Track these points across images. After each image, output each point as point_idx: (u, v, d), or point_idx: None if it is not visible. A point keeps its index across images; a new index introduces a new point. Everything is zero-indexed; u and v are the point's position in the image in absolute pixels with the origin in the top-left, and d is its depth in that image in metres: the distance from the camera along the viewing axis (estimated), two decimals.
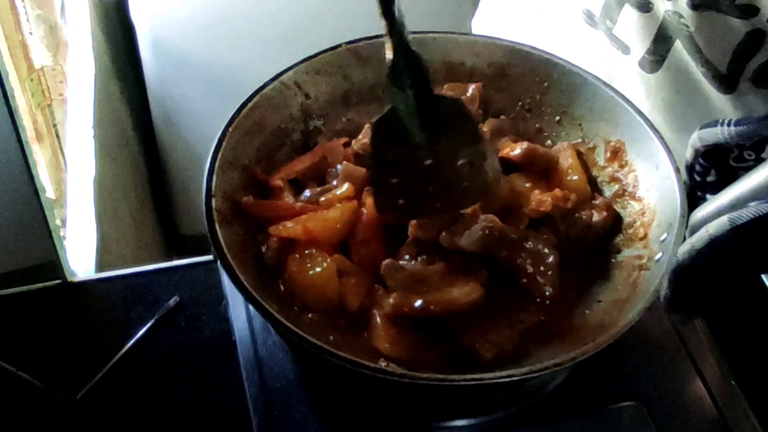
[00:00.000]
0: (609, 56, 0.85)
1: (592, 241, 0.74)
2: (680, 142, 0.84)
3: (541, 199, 0.73)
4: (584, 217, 0.74)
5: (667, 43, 0.78)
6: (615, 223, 0.75)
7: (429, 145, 0.69)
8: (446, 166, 0.70)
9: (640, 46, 0.81)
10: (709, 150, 0.67)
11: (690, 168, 0.70)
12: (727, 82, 0.75)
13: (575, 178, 0.77)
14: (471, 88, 0.82)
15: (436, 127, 0.69)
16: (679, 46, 0.78)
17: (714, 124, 0.67)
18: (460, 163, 0.70)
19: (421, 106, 0.67)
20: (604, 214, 0.74)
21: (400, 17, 0.64)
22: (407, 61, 0.66)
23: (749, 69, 0.73)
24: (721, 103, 0.78)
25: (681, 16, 0.74)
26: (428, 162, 0.69)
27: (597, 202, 0.76)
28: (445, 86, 0.82)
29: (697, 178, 0.70)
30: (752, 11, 0.69)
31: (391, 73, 0.67)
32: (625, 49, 0.83)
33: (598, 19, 0.84)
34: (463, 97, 0.81)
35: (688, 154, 0.69)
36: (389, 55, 0.66)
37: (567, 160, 0.79)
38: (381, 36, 0.82)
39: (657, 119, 0.86)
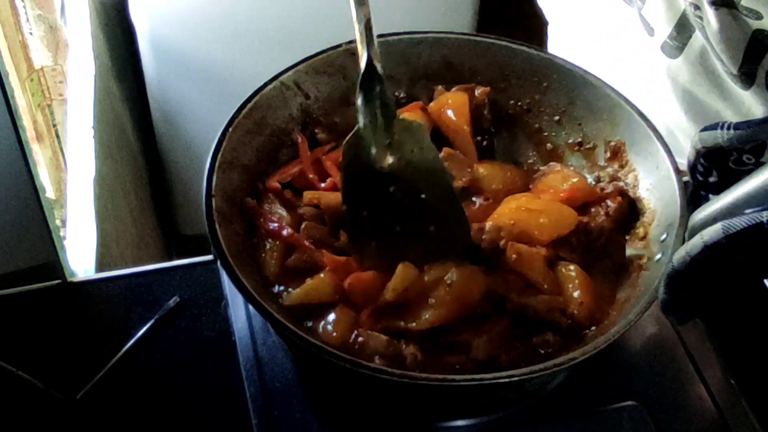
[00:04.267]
0: (638, 36, 0.86)
1: (616, 232, 0.74)
2: (695, 129, 0.84)
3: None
4: (600, 211, 0.74)
5: (687, 31, 0.79)
6: (632, 207, 0.75)
7: (393, 172, 0.69)
8: (410, 199, 0.69)
9: (663, 29, 0.81)
10: (710, 152, 0.67)
11: (692, 168, 0.70)
12: (742, 80, 0.76)
13: (575, 180, 0.77)
14: (478, 91, 0.82)
15: (399, 151, 0.69)
16: (699, 37, 0.78)
17: (714, 126, 0.67)
18: (423, 196, 0.69)
19: (387, 125, 0.68)
20: (619, 199, 0.74)
21: (371, 26, 0.66)
22: (376, 72, 0.67)
23: (761, 72, 0.73)
24: (739, 95, 0.78)
25: (697, 8, 0.74)
26: (392, 189, 0.69)
27: (609, 190, 0.76)
28: (454, 87, 0.82)
29: (700, 178, 0.70)
30: (757, 15, 0.69)
31: (363, 80, 0.67)
32: (650, 31, 0.83)
33: None
34: (476, 93, 0.82)
35: (690, 155, 0.69)
36: (363, 62, 0.67)
37: (558, 172, 0.79)
38: (381, 36, 0.82)
39: (675, 106, 0.86)
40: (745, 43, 0.72)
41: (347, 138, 0.70)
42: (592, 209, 0.75)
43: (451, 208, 0.70)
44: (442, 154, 0.77)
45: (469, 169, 0.78)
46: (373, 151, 0.69)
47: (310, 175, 0.77)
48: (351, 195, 0.70)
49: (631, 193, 0.76)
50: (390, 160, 0.69)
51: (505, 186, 0.78)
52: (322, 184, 0.77)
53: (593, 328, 0.69)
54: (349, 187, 0.70)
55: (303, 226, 0.73)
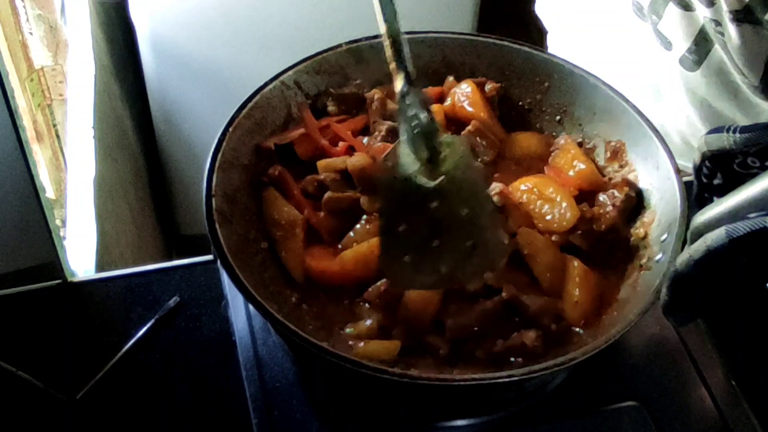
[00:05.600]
0: (654, 50, 0.86)
1: (623, 223, 0.74)
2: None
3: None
4: (608, 200, 0.74)
5: (706, 45, 0.79)
6: (639, 197, 0.75)
7: (435, 188, 0.66)
8: (451, 217, 0.66)
9: (681, 43, 0.82)
10: (715, 155, 0.67)
11: (697, 170, 0.70)
12: (762, 92, 0.76)
13: (582, 167, 0.77)
14: (488, 86, 0.82)
15: (441, 167, 0.66)
16: (718, 50, 0.78)
17: (720, 129, 0.67)
18: (464, 213, 0.66)
19: (429, 142, 0.65)
20: (626, 189, 0.74)
21: (406, 52, 0.64)
22: (416, 90, 0.65)
23: None
24: (759, 106, 0.78)
25: (718, 24, 0.74)
26: (434, 205, 0.66)
27: (615, 180, 0.76)
28: (467, 80, 0.82)
29: (704, 180, 0.70)
30: None
31: (402, 101, 0.65)
32: (668, 45, 0.84)
33: (646, 12, 0.85)
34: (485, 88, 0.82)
35: (696, 157, 0.69)
36: (399, 84, 0.65)
37: (569, 152, 0.79)
38: (381, 36, 0.82)
39: (692, 116, 0.86)
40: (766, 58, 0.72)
41: (387, 152, 0.69)
42: (600, 198, 0.75)
43: (491, 225, 0.68)
44: (470, 128, 0.78)
45: (498, 144, 0.80)
46: (415, 166, 0.66)
47: (322, 141, 0.77)
48: (388, 209, 0.68)
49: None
50: (433, 176, 0.66)
51: (527, 152, 0.80)
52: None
53: (580, 330, 0.69)
54: (387, 201, 0.68)
55: (326, 197, 0.73)
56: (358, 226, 0.73)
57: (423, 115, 0.65)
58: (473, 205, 0.66)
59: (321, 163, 0.76)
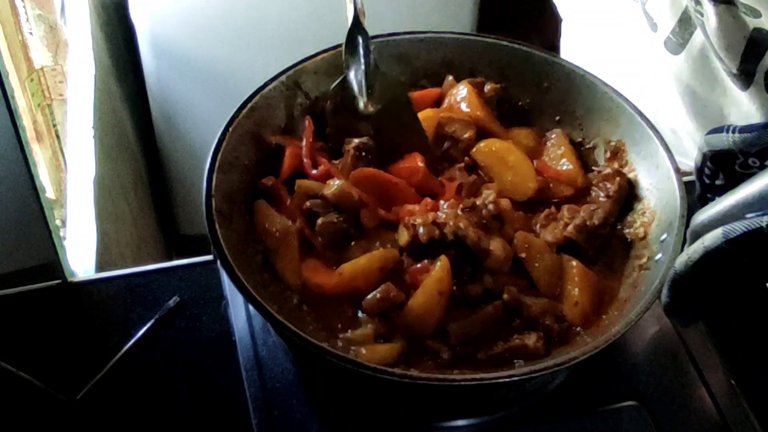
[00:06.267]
0: (644, 33, 0.86)
1: (617, 215, 0.74)
2: (698, 129, 0.84)
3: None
4: (600, 192, 0.75)
5: (689, 27, 0.79)
6: (630, 188, 0.76)
7: (372, 117, 0.78)
8: (384, 134, 0.77)
9: (666, 24, 0.82)
10: (716, 155, 0.68)
11: (699, 171, 0.70)
12: (740, 80, 0.76)
13: (570, 168, 0.77)
14: (487, 87, 0.82)
15: (378, 99, 0.78)
16: (700, 33, 0.78)
17: (720, 129, 0.67)
18: (395, 130, 0.77)
19: (368, 74, 0.77)
20: (618, 179, 0.75)
21: None
22: (361, 27, 0.76)
23: (760, 71, 0.73)
24: (739, 96, 0.77)
25: (698, 3, 0.74)
26: (371, 130, 0.77)
27: (606, 172, 0.76)
28: (464, 81, 0.82)
29: (706, 181, 0.70)
30: (755, 14, 0.69)
31: (348, 38, 0.76)
32: (654, 26, 0.84)
33: None
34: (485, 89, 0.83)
35: (697, 158, 0.69)
36: (350, 18, 0.76)
37: (559, 148, 0.79)
38: (381, 36, 0.83)
39: (678, 105, 0.86)
40: (744, 41, 0.72)
41: (334, 84, 0.78)
42: (593, 192, 0.75)
43: (418, 136, 0.78)
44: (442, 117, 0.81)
45: (472, 125, 0.80)
46: (358, 96, 0.78)
47: (305, 160, 0.77)
48: (335, 130, 0.79)
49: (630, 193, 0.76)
50: (370, 107, 0.78)
51: (525, 148, 0.80)
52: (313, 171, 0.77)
53: (581, 330, 0.69)
54: (333, 126, 0.79)
55: (319, 224, 0.72)
56: (353, 243, 0.72)
57: (365, 51, 0.77)
58: (402, 129, 0.78)
59: (299, 184, 0.75)
